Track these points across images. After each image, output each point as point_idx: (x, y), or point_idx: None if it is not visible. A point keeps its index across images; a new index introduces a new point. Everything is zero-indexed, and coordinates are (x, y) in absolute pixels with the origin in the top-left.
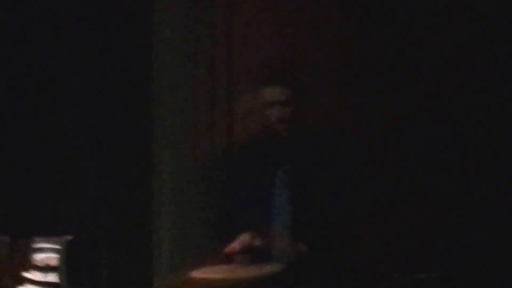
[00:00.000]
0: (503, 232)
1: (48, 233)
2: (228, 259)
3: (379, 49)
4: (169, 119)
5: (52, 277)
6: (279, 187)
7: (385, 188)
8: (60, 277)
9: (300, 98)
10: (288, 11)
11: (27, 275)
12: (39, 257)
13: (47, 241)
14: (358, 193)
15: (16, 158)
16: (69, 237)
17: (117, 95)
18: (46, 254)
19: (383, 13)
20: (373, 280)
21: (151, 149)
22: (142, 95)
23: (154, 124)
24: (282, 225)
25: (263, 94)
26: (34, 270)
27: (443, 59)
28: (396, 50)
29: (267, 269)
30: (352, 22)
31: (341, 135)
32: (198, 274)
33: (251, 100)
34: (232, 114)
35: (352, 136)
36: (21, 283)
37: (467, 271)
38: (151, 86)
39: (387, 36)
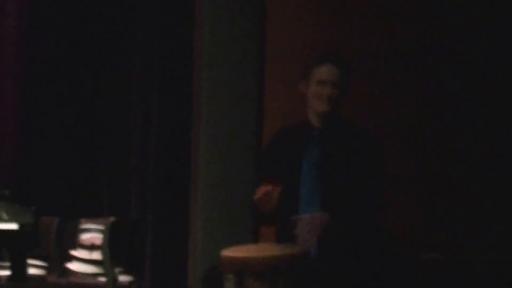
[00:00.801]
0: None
1: (93, 215)
2: (255, 239)
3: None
4: (210, 106)
5: (96, 255)
6: (307, 167)
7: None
8: (103, 255)
9: (347, 83)
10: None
11: (74, 253)
12: (85, 237)
13: (92, 223)
14: (380, 181)
15: (66, 149)
16: (112, 219)
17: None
18: (91, 234)
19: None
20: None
21: (190, 139)
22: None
23: (194, 114)
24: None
25: (317, 73)
26: (80, 248)
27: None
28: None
29: (290, 248)
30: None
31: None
32: (229, 252)
33: (304, 79)
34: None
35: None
36: (69, 260)
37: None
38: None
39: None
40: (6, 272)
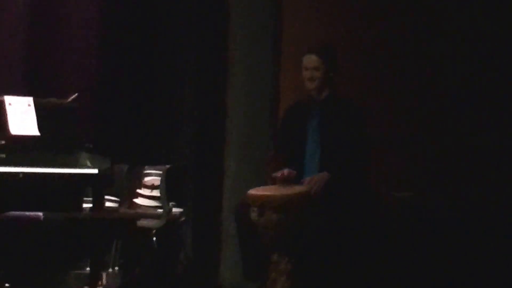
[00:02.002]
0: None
1: (154, 163)
2: (273, 182)
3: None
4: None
5: (155, 193)
6: (311, 133)
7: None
8: (161, 193)
9: (326, 67)
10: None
11: (139, 191)
12: (147, 179)
13: (153, 168)
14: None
15: (134, 112)
16: (168, 166)
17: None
18: (152, 177)
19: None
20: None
21: (226, 111)
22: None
23: (227, 88)
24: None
25: (303, 61)
26: (144, 187)
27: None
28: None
29: (299, 188)
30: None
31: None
32: (253, 191)
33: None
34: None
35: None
36: (135, 196)
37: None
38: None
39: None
40: (89, 205)
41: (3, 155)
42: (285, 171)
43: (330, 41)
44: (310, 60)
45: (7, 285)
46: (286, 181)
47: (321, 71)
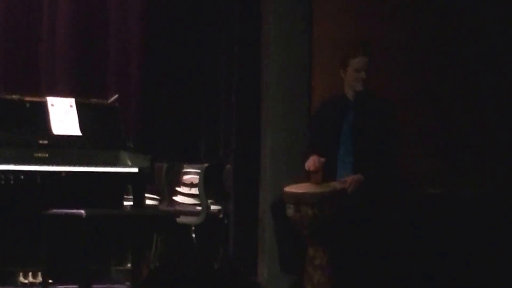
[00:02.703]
0: None
1: (193, 162)
2: (308, 179)
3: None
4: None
5: (194, 191)
6: (345, 128)
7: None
8: (200, 190)
9: (370, 67)
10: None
11: (178, 189)
12: (186, 177)
13: (192, 167)
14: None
15: (173, 114)
16: (206, 164)
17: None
18: (191, 175)
19: None
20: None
21: (261, 109)
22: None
23: (262, 87)
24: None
25: (353, 63)
26: (182, 185)
27: None
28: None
29: (334, 185)
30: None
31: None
32: (289, 188)
33: (342, 67)
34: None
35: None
36: (174, 194)
37: None
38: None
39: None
40: (130, 203)
41: (46, 155)
42: (310, 161)
43: (360, 39)
44: (363, 62)
45: (50, 281)
46: (316, 171)
47: (367, 71)
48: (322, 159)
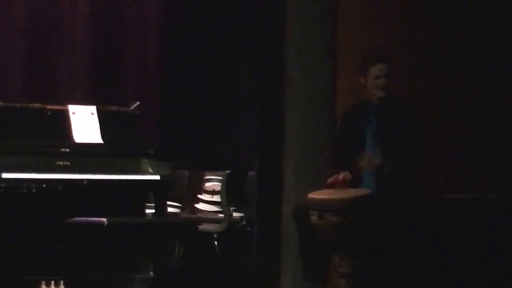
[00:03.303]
0: None
1: (214, 169)
2: (333, 185)
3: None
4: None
5: (216, 198)
6: (370, 135)
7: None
8: (222, 198)
9: (391, 73)
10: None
11: (200, 196)
12: (208, 184)
13: (214, 174)
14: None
15: (195, 122)
16: (228, 171)
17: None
18: (213, 182)
19: None
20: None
21: (284, 116)
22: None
23: (285, 93)
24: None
25: (373, 70)
26: (204, 193)
27: None
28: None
29: (358, 191)
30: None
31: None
32: (312, 195)
33: (362, 74)
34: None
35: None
36: (196, 202)
37: None
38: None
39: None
40: (152, 210)
41: (68, 163)
42: (341, 175)
43: (383, 45)
44: (382, 69)
45: None
46: (343, 184)
47: (388, 78)
48: (350, 176)
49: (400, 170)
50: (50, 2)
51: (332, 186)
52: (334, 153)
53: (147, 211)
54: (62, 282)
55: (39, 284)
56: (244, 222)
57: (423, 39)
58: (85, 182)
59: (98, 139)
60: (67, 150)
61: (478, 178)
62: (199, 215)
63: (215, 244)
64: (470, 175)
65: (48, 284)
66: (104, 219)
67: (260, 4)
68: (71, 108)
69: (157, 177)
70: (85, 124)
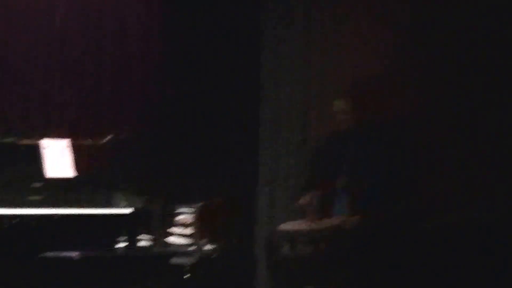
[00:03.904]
0: None
1: (186, 202)
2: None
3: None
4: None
5: (189, 231)
6: (344, 165)
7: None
8: (193, 231)
9: (356, 107)
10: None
11: (172, 229)
12: (180, 218)
13: (186, 207)
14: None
15: (180, 161)
16: (199, 204)
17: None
18: (185, 215)
19: None
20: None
21: (258, 148)
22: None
23: (261, 123)
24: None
25: (335, 105)
26: (176, 226)
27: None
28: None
29: (330, 222)
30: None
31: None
32: (284, 226)
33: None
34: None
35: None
36: (167, 235)
37: None
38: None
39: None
40: (124, 244)
41: (40, 197)
42: (307, 196)
43: (359, 76)
44: (341, 104)
45: None
46: (312, 206)
47: (353, 112)
48: (318, 194)
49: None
50: (19, 30)
51: (304, 216)
52: (308, 182)
53: (120, 244)
54: None
55: None
56: (216, 255)
57: (398, 66)
58: (58, 216)
59: (71, 173)
60: (40, 184)
61: (472, 199)
62: (171, 248)
63: (186, 277)
64: (463, 195)
65: None
66: (77, 253)
67: (236, 33)
68: (44, 142)
69: (130, 211)
70: (57, 158)
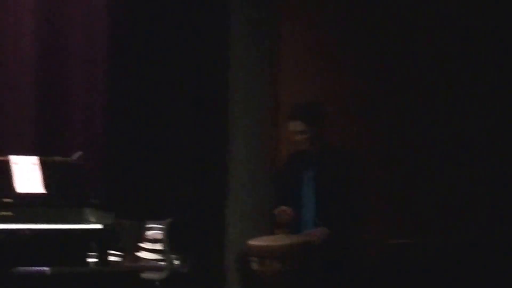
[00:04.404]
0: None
1: (155, 218)
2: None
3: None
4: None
5: (158, 246)
6: (306, 183)
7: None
8: (164, 246)
9: (314, 128)
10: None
11: (142, 244)
12: (150, 233)
13: (155, 223)
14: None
15: (135, 174)
16: (169, 220)
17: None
18: (155, 231)
19: None
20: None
21: (227, 165)
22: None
23: (230, 141)
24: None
25: (288, 126)
26: (146, 241)
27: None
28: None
29: (298, 238)
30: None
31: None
32: (253, 241)
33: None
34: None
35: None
36: (138, 250)
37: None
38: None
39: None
40: (95, 259)
41: (10, 213)
42: (282, 209)
43: (325, 93)
44: (295, 125)
45: None
46: (283, 220)
47: (308, 132)
48: (290, 210)
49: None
50: None
51: (272, 232)
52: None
53: (90, 260)
54: None
55: None
56: (186, 270)
57: (358, 89)
58: (27, 232)
59: (41, 189)
60: (10, 200)
61: (412, 224)
62: (141, 263)
63: None
64: (409, 221)
65: None
66: (48, 269)
67: (203, 56)
68: (13, 158)
69: (100, 226)
70: (27, 174)
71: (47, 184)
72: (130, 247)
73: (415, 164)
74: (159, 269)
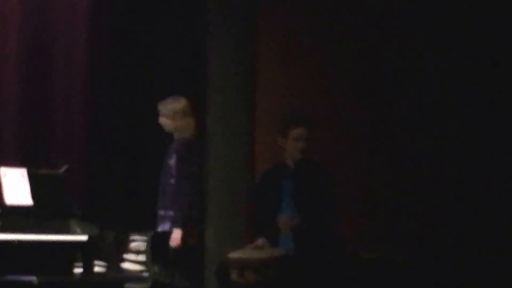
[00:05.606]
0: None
1: (139, 230)
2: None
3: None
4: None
5: (141, 258)
6: (285, 195)
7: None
8: (146, 257)
9: (311, 136)
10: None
11: (126, 256)
12: (133, 245)
13: (138, 234)
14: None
15: (119, 187)
16: (152, 232)
17: None
18: (138, 242)
19: None
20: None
21: (206, 176)
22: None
23: (210, 155)
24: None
25: (293, 132)
26: (129, 252)
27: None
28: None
29: (275, 251)
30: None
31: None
32: (233, 254)
33: (282, 135)
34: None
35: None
36: (122, 261)
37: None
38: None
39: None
40: (80, 270)
41: None
42: (259, 241)
43: (302, 108)
44: (303, 132)
45: None
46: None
47: (310, 140)
48: (266, 241)
49: (315, 230)
50: None
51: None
52: (253, 214)
53: (75, 270)
54: None
55: None
56: (168, 281)
57: (341, 105)
58: (15, 241)
59: (28, 201)
60: None
61: (387, 238)
62: (125, 274)
63: None
64: (379, 234)
65: None
66: (34, 278)
67: (181, 72)
68: (2, 170)
69: (85, 238)
70: (15, 186)
71: (34, 196)
72: (114, 258)
73: (392, 177)
74: (142, 279)
